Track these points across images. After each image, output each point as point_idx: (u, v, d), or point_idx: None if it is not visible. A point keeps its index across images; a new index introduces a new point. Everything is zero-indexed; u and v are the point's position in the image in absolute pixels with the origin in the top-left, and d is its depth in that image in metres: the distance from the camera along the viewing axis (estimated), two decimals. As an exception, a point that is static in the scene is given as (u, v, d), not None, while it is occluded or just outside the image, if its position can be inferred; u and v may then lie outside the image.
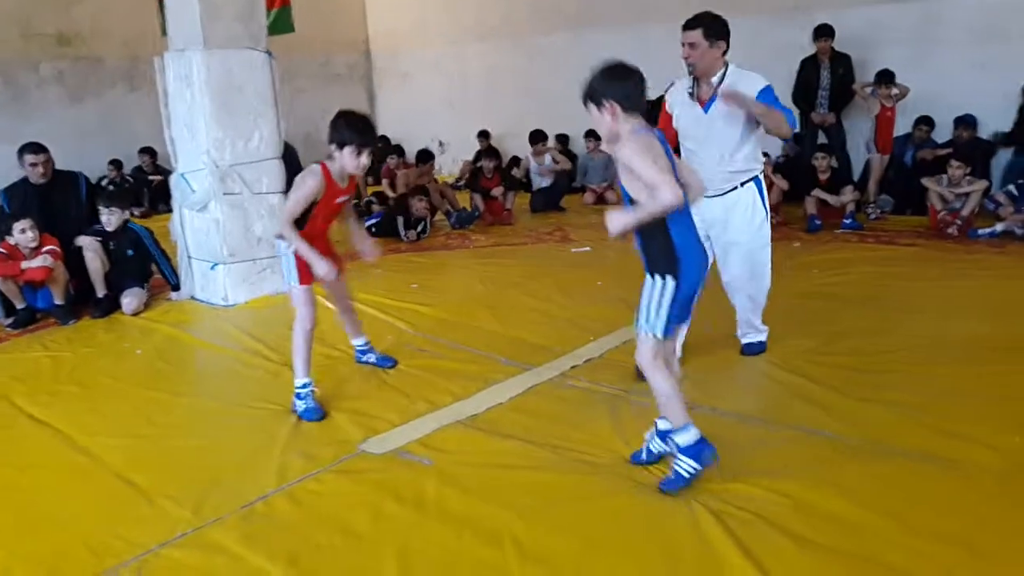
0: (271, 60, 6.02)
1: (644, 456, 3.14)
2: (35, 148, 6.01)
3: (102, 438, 3.70)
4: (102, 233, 5.91)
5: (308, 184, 3.68)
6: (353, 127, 3.67)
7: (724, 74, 3.88)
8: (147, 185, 10.49)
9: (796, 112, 8.27)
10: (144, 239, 6.11)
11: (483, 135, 11.55)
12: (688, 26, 3.86)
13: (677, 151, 3.99)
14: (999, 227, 6.66)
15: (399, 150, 11.34)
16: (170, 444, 3.64)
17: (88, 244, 5.79)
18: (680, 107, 4.05)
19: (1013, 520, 2.66)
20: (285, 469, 3.27)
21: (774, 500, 2.83)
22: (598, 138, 10.00)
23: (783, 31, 8.68)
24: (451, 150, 12.82)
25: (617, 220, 2.67)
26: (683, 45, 3.87)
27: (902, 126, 8.13)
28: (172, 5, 5.97)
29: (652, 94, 9.67)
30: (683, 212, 2.70)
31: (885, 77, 7.84)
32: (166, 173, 6.45)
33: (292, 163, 6.33)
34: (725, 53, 3.88)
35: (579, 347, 4.52)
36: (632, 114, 2.68)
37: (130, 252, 6.00)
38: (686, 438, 2.82)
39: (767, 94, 3.85)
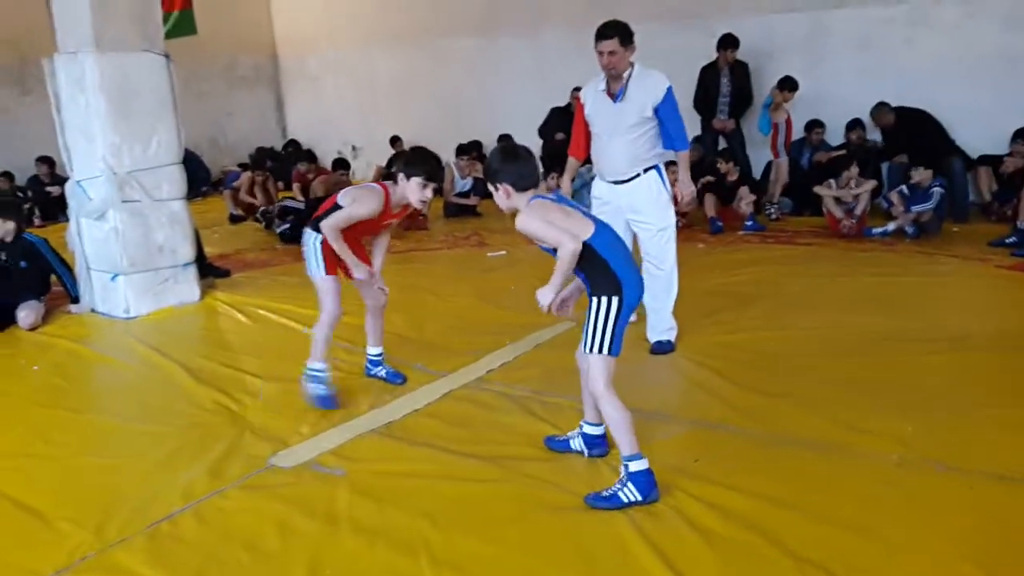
0: (169, 63, 5.84)
1: (557, 445, 3.28)
2: None
3: (-6, 461, 3.52)
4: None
5: (368, 203, 3.72)
6: (425, 161, 3.75)
7: (632, 71, 4.27)
8: (44, 196, 10.00)
9: (698, 119, 8.57)
10: (41, 249, 5.84)
11: (395, 140, 11.48)
12: (606, 36, 4.19)
13: (588, 138, 4.50)
14: (891, 226, 7.01)
15: (310, 155, 11.16)
16: (69, 464, 3.49)
17: None
18: (592, 100, 4.43)
19: (908, 506, 2.79)
20: (191, 487, 3.18)
21: (683, 496, 2.90)
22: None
23: (681, 37, 8.93)
24: (363, 155, 12.70)
25: (544, 294, 2.89)
26: (600, 53, 4.22)
27: (795, 131, 8.47)
28: (59, 4, 5.71)
29: (553, 99, 9.82)
30: (614, 240, 2.87)
31: (789, 84, 8.14)
32: (65, 183, 6.17)
33: (195, 169, 6.17)
34: (632, 53, 4.26)
35: (494, 351, 4.55)
36: (524, 192, 2.89)
37: (23, 264, 5.71)
38: (637, 466, 2.85)
39: (669, 98, 4.26)
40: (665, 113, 4.26)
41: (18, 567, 2.71)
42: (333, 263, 3.82)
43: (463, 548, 2.67)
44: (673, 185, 4.47)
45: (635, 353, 4.44)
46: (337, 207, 3.73)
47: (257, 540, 2.79)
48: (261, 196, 9.90)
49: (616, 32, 4.18)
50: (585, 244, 2.79)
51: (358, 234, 3.88)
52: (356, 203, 3.71)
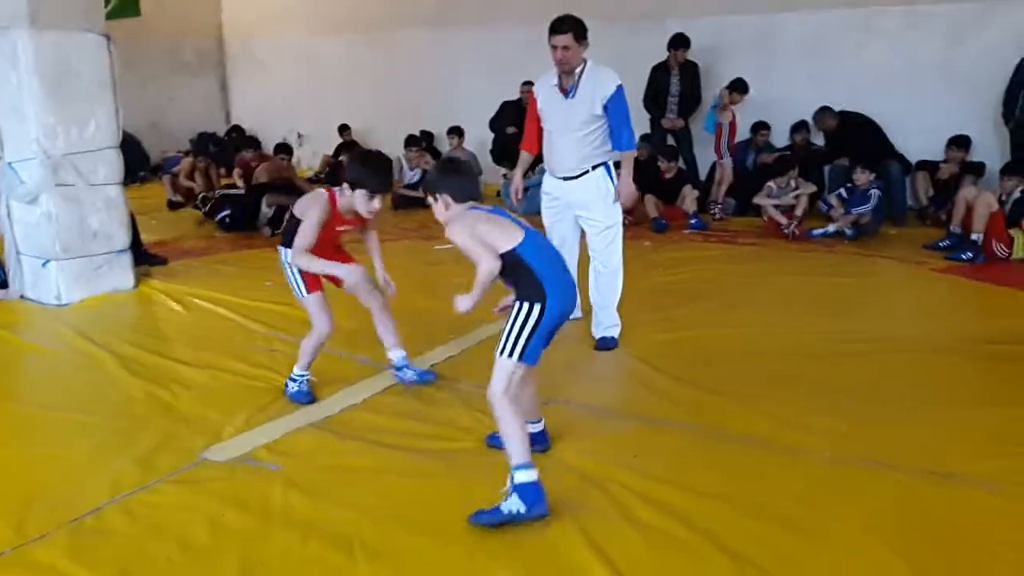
0: (109, 44, 5.65)
1: (496, 441, 3.13)
2: None
3: (-92, 452, 3.36)
4: None
5: (314, 213, 3.58)
6: (371, 170, 3.58)
7: (584, 68, 4.25)
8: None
9: (647, 117, 8.63)
10: None
11: (344, 129, 11.32)
12: (559, 30, 4.18)
13: (540, 132, 4.53)
14: (831, 228, 7.15)
15: (255, 142, 10.94)
16: (-11, 455, 3.35)
17: None
18: (545, 95, 4.45)
19: (840, 502, 2.84)
20: (119, 480, 3.07)
21: (621, 490, 2.91)
22: (460, 135, 10.02)
23: (633, 36, 8.98)
24: (310, 143, 12.50)
25: (462, 302, 2.82)
26: (554, 48, 4.21)
27: (741, 131, 8.58)
28: (-11, -26, 5.49)
29: (505, 92, 9.75)
30: (541, 249, 2.84)
31: (739, 86, 8.24)
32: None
33: (134, 153, 5.99)
34: (585, 49, 4.25)
35: (439, 345, 4.50)
36: (462, 204, 2.89)
37: None
38: (524, 476, 2.67)
39: (619, 96, 4.26)
40: (613, 111, 4.26)
41: (-70, 563, 2.59)
42: (313, 280, 3.71)
43: (398, 542, 2.64)
44: None
45: (580, 349, 4.46)
46: (298, 222, 3.60)
47: (187, 536, 2.71)
48: (201, 182, 9.67)
49: (570, 27, 4.17)
50: (513, 252, 2.76)
51: (323, 244, 3.66)
52: (307, 212, 3.60)
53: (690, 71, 8.60)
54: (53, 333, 4.98)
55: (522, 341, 2.76)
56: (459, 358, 4.36)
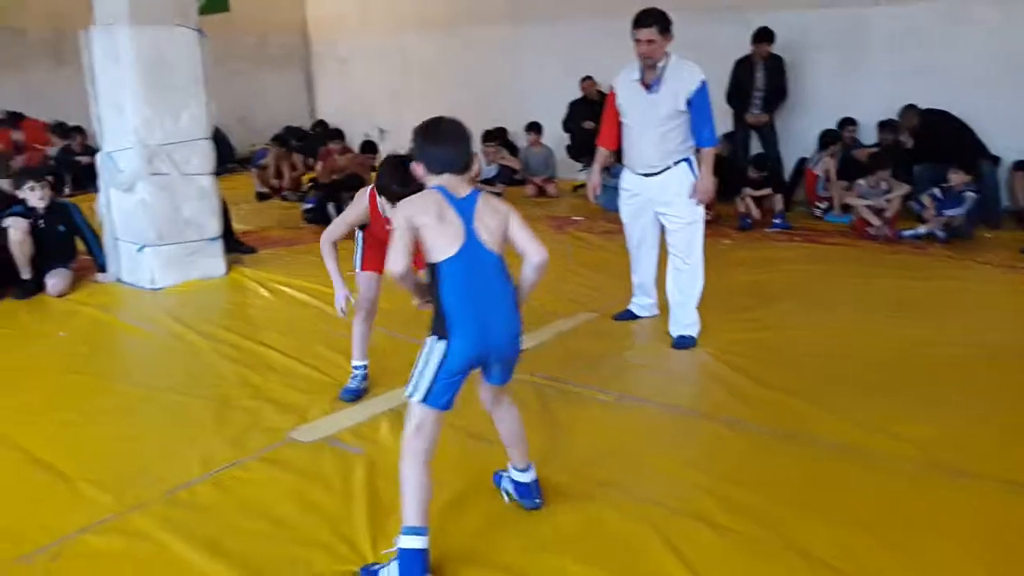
0: (202, 38, 5.88)
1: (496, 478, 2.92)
2: None
3: (21, 423, 3.58)
4: (29, 213, 5.68)
5: (351, 209, 3.60)
6: (392, 183, 3.28)
7: (667, 61, 4.20)
8: (75, 166, 10.10)
9: (730, 112, 8.49)
10: (74, 214, 5.96)
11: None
12: (644, 23, 4.15)
13: (619, 128, 4.48)
14: (922, 229, 6.91)
15: (339, 135, 11.17)
16: (92, 429, 3.54)
17: (15, 223, 5.56)
18: (625, 90, 4.39)
19: (925, 512, 2.76)
20: (210, 457, 3.21)
21: (698, 491, 2.89)
22: (538, 131, 10.05)
23: (715, 29, 8.83)
24: (391, 138, 12.71)
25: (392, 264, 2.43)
26: (638, 41, 4.18)
27: (825, 126, 8.36)
28: (96, -23, 5.77)
29: (571, 86, 9.57)
30: (468, 271, 2.41)
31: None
32: (95, 153, 6.25)
33: (222, 146, 6.20)
34: (669, 42, 4.22)
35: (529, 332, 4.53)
36: (436, 176, 2.49)
37: (61, 228, 5.84)
38: (409, 543, 2.36)
39: (703, 91, 4.21)
40: (696, 107, 4.21)
41: (41, 525, 2.76)
42: (371, 257, 3.68)
43: (477, 530, 2.68)
44: None
45: (657, 347, 4.44)
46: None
47: (275, 511, 2.82)
48: (287, 174, 9.94)
49: (655, 20, 4.13)
50: (435, 265, 2.41)
51: (375, 244, 3.62)
52: (347, 209, 3.66)
53: (775, 65, 8.42)
54: (148, 316, 5.21)
55: (425, 382, 2.42)
56: (535, 351, 4.37)
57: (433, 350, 2.43)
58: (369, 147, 9.47)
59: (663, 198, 4.37)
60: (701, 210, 4.40)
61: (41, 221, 5.70)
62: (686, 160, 4.32)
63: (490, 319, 2.44)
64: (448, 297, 2.41)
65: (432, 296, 2.47)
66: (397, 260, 2.37)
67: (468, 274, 2.41)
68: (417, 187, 2.60)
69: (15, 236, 5.52)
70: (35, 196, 5.68)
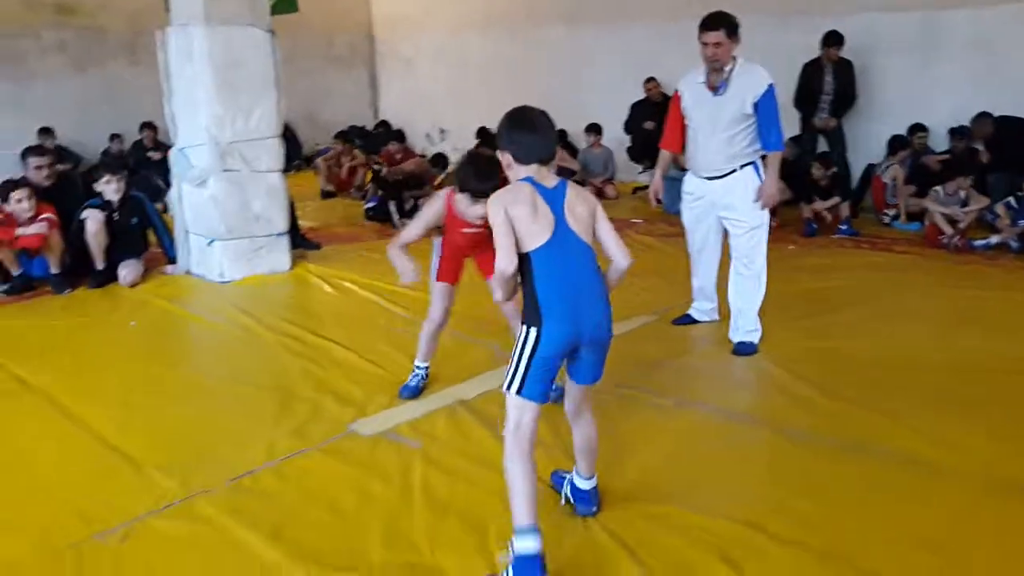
0: (273, 38, 6.01)
1: (555, 479, 2.92)
2: (40, 151, 6.05)
3: (93, 407, 3.72)
4: (105, 206, 5.89)
5: (426, 210, 3.54)
6: (474, 177, 3.25)
7: (734, 65, 4.19)
8: (146, 160, 10.43)
9: (798, 116, 8.34)
10: (147, 206, 6.17)
11: (482, 132, 11.48)
12: (712, 27, 4.14)
13: (683, 131, 4.45)
14: (994, 239, 6.70)
15: (400, 135, 11.32)
16: (161, 416, 3.66)
17: (92, 215, 5.77)
18: (691, 92, 4.38)
19: (989, 528, 2.69)
20: (273, 446, 3.29)
21: (756, 502, 2.86)
22: (598, 132, 10.02)
23: (782, 32, 8.69)
24: (451, 138, 12.81)
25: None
26: (705, 44, 4.16)
27: (894, 132, 8.15)
28: (174, -21, 5.95)
29: (638, 89, 9.56)
30: (560, 257, 2.43)
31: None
32: (166, 149, 6.45)
33: (290, 143, 6.33)
34: (736, 46, 4.19)
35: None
36: (525, 166, 2.49)
37: (134, 220, 6.04)
38: (523, 545, 2.34)
39: (770, 95, 4.17)
40: (763, 111, 4.16)
41: (111, 505, 2.86)
42: (447, 269, 3.66)
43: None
44: None
45: (716, 352, 4.39)
46: None
47: (334, 501, 2.87)
48: (347, 165, 10.08)
49: (722, 24, 4.11)
50: (527, 254, 2.42)
51: (453, 247, 3.64)
52: (423, 210, 3.61)
53: (844, 69, 8.25)
54: (216, 307, 5.36)
55: (520, 373, 2.43)
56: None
57: (528, 338, 2.44)
58: (439, 161, 9.48)
59: (727, 201, 4.33)
60: (766, 215, 4.34)
61: (116, 213, 5.90)
62: (752, 164, 4.27)
63: (582, 303, 2.46)
64: (540, 284, 2.42)
65: (524, 286, 2.49)
66: (507, 259, 2.39)
67: (560, 261, 2.43)
68: (498, 183, 2.61)
69: (92, 227, 5.73)
70: (111, 189, 5.88)
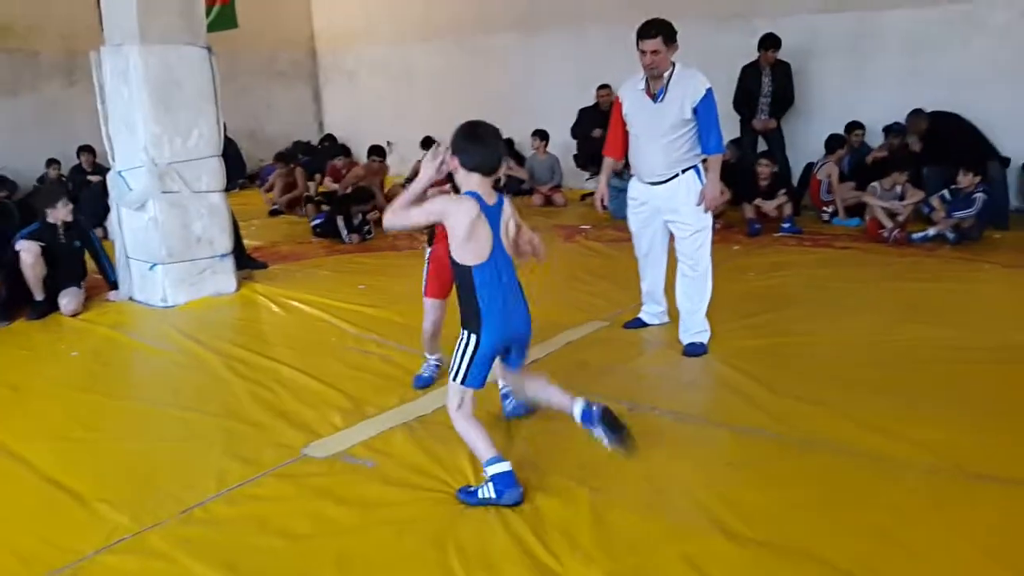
0: (211, 56, 5.92)
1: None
2: None
3: (34, 442, 3.61)
4: (44, 231, 5.72)
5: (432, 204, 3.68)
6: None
7: (672, 70, 4.23)
8: (86, 185, 10.18)
9: (737, 119, 8.49)
10: (89, 232, 6.03)
11: (428, 142, 11.45)
12: (648, 35, 4.15)
13: (626, 138, 4.49)
14: (932, 231, 6.88)
15: (345, 150, 11.24)
16: (106, 448, 3.57)
17: (27, 247, 5.58)
18: (631, 99, 4.40)
19: (934, 514, 2.76)
20: (224, 474, 3.23)
21: (712, 499, 2.88)
22: (544, 138, 10.07)
23: (721, 36, 8.85)
24: (398, 150, 12.77)
25: (388, 218, 2.93)
26: (643, 52, 4.18)
27: (832, 131, 8.35)
28: (108, -1, 5.83)
29: (587, 94, 9.59)
30: (496, 273, 2.84)
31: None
32: (105, 172, 6.30)
33: (233, 161, 6.24)
34: (674, 52, 4.23)
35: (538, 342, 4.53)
36: (468, 173, 2.84)
37: (76, 244, 5.90)
38: (495, 468, 2.87)
39: (708, 99, 4.21)
40: (702, 114, 4.21)
41: (59, 545, 2.77)
42: (434, 286, 3.84)
43: (492, 542, 2.68)
44: None
45: (667, 354, 4.44)
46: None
47: (288, 527, 2.83)
48: (284, 190, 9.91)
49: (659, 31, 4.13)
50: (468, 268, 2.82)
51: (442, 265, 3.63)
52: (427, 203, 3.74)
53: (782, 71, 8.42)
54: (160, 333, 5.24)
55: (463, 367, 2.90)
56: (543, 361, 4.37)
57: (469, 342, 2.88)
58: (376, 151, 9.45)
59: (671, 206, 4.37)
60: (709, 217, 4.40)
61: (62, 236, 5.76)
62: (693, 168, 4.32)
63: (510, 310, 2.90)
64: (481, 296, 2.84)
65: (463, 293, 2.89)
66: (396, 219, 2.87)
67: (495, 275, 2.86)
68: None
69: (28, 259, 5.56)
70: (67, 211, 5.76)
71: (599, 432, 2.92)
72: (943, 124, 7.76)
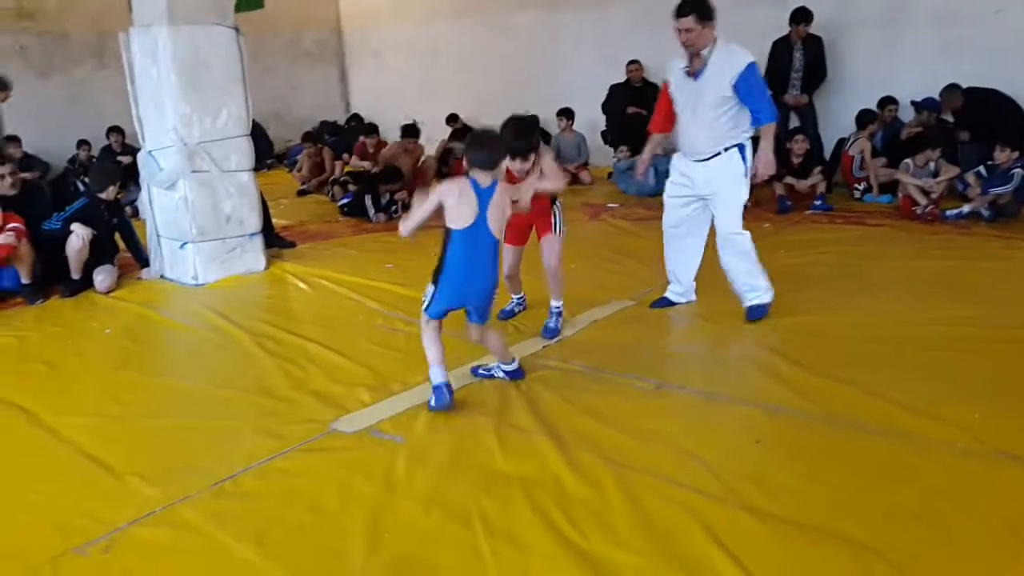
0: (239, 36, 5.93)
1: (483, 373, 3.87)
2: (0, 159, 5.95)
3: (69, 417, 3.67)
4: (92, 206, 5.80)
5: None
6: (517, 133, 3.87)
7: (713, 47, 4.17)
8: (116, 165, 10.29)
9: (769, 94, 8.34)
10: (124, 211, 6.15)
11: (452, 118, 11.45)
12: (682, 13, 4.11)
13: (671, 114, 4.48)
14: (966, 208, 6.75)
15: (373, 127, 11.23)
16: (138, 423, 3.62)
17: (81, 232, 5.63)
18: (676, 78, 4.39)
19: (967, 494, 2.72)
20: (254, 448, 3.26)
21: (740, 479, 2.86)
22: (570, 117, 9.99)
23: (753, 10, 8.68)
24: (425, 129, 12.74)
25: (403, 226, 3.48)
26: (678, 31, 4.13)
27: (864, 106, 8.18)
28: (137, -22, 5.85)
29: (617, 74, 9.48)
30: (472, 243, 3.34)
31: None
32: (135, 152, 6.36)
33: (261, 141, 6.26)
34: (713, 29, 4.16)
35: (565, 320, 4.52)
36: (474, 171, 3.36)
37: (114, 221, 6.02)
38: (433, 374, 3.45)
39: (749, 72, 4.16)
40: (744, 88, 4.14)
41: (92, 516, 2.82)
42: (510, 235, 4.20)
43: (518, 518, 2.69)
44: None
45: (695, 333, 4.44)
46: None
47: (317, 501, 2.85)
48: (312, 170, 9.96)
49: (693, 9, 4.08)
50: (449, 230, 3.35)
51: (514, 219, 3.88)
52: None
53: (814, 45, 8.27)
54: (191, 311, 5.30)
55: (424, 305, 3.48)
56: (570, 340, 4.37)
57: (429, 292, 3.45)
58: (409, 132, 9.43)
59: (710, 184, 4.35)
60: (745, 193, 4.37)
61: (106, 213, 5.87)
62: (737, 147, 4.27)
63: (473, 282, 3.42)
64: (450, 257, 3.38)
65: (441, 252, 3.39)
66: (408, 226, 3.43)
67: (470, 245, 3.35)
68: (534, 140, 3.91)
69: (77, 243, 5.62)
70: (114, 191, 5.91)
71: (511, 378, 3.75)
72: (981, 99, 7.57)
